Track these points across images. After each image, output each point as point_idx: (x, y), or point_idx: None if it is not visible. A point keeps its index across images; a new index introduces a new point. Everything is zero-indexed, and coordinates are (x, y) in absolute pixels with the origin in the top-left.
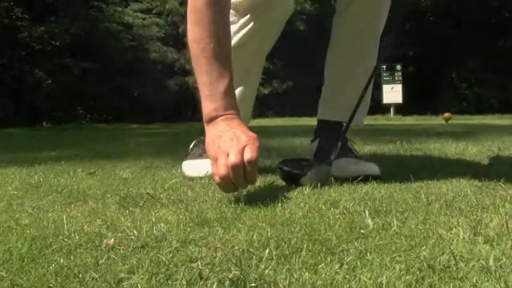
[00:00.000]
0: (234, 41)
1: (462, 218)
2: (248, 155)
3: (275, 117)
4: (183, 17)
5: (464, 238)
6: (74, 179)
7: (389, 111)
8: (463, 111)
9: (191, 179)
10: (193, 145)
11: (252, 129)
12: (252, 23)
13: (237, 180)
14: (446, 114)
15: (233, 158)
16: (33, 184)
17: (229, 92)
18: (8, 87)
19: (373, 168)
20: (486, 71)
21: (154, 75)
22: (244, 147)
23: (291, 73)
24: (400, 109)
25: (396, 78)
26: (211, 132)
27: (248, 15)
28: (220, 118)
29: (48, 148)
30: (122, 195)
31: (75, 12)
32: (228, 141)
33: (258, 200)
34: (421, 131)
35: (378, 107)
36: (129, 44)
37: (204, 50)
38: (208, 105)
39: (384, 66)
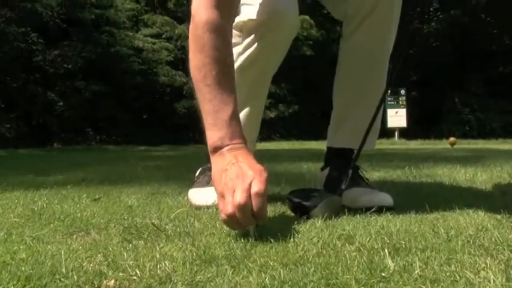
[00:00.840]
0: (238, 62)
1: (489, 259)
2: (255, 187)
3: (281, 140)
4: None
5: (496, 283)
6: (78, 205)
7: (393, 135)
8: (466, 135)
9: (198, 208)
10: (200, 172)
11: (258, 152)
12: (256, 44)
13: (244, 220)
14: (452, 139)
15: (239, 198)
16: (35, 211)
17: (234, 119)
18: (20, 108)
19: (386, 199)
20: (488, 96)
21: (163, 98)
22: (251, 183)
23: (297, 97)
24: (405, 133)
25: (400, 102)
26: (217, 164)
27: (253, 36)
28: (226, 148)
29: (55, 171)
30: (126, 225)
31: (88, 37)
32: (234, 177)
33: (269, 234)
34: (428, 155)
35: (383, 131)
36: (139, 68)
37: (206, 77)
38: (212, 135)
39: (389, 91)
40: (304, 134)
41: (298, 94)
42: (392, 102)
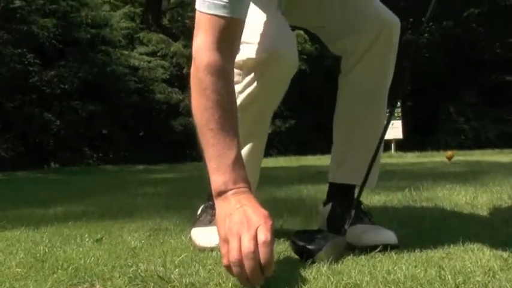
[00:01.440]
0: (238, 101)
1: None
2: (262, 236)
3: (279, 155)
4: (188, 58)
5: None
6: (80, 248)
7: (390, 147)
8: (462, 145)
9: (202, 249)
10: (202, 210)
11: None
12: (256, 82)
13: (252, 271)
14: (449, 153)
15: (247, 244)
16: (38, 258)
17: (237, 163)
18: (17, 128)
19: (391, 238)
20: (482, 105)
21: (159, 115)
22: (257, 230)
23: (293, 112)
24: (401, 145)
25: (396, 114)
26: (222, 208)
27: (252, 74)
28: (230, 192)
29: (55, 202)
30: (131, 275)
31: (84, 57)
32: (238, 223)
33: (276, 284)
34: (427, 172)
35: None
36: (135, 86)
37: (209, 121)
38: (216, 179)
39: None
40: (301, 149)
41: (294, 109)
42: (388, 114)
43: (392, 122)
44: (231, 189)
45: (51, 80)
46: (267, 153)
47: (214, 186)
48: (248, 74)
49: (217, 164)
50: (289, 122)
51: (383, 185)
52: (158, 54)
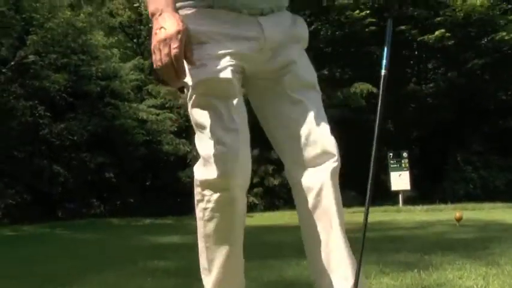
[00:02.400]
0: (205, 216)
1: None
2: (174, 51)
3: (285, 208)
4: None
5: None
6: None
7: (398, 199)
8: (470, 195)
9: None
10: None
11: (263, 247)
12: (215, 198)
13: (167, 69)
14: (458, 215)
15: (164, 58)
16: None
17: None
18: (26, 179)
19: None
20: (489, 153)
21: (167, 166)
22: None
23: None
24: (409, 196)
25: (403, 165)
26: (154, 26)
27: (211, 192)
28: (158, 14)
29: (61, 281)
30: None
31: (93, 109)
32: (161, 41)
33: None
34: (435, 240)
35: (387, 194)
36: (144, 139)
37: None
38: (151, 6)
39: (391, 154)
40: None
41: None
42: (395, 165)
43: (399, 173)
44: (159, 13)
45: (60, 133)
46: (273, 204)
47: (150, 10)
48: (208, 192)
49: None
50: None
51: (392, 259)
52: (166, 106)
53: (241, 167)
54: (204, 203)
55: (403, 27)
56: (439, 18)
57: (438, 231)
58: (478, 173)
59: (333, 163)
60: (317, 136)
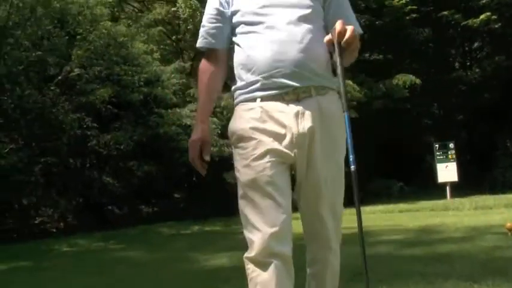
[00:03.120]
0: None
1: None
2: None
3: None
4: None
5: None
6: None
7: (445, 190)
8: None
9: None
10: None
11: None
12: (260, 272)
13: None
14: (509, 224)
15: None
16: None
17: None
18: (77, 189)
19: None
20: None
21: (212, 169)
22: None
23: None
24: (457, 187)
25: (450, 156)
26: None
27: (256, 267)
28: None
29: None
30: None
31: (137, 119)
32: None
33: None
34: (486, 260)
35: (434, 187)
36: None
37: (202, 90)
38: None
39: (437, 145)
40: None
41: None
42: (442, 157)
43: (446, 164)
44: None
45: (108, 143)
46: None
47: (194, 132)
48: (253, 267)
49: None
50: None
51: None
52: None
53: (282, 243)
54: (253, 275)
55: (445, 13)
56: (484, 1)
57: (489, 246)
58: None
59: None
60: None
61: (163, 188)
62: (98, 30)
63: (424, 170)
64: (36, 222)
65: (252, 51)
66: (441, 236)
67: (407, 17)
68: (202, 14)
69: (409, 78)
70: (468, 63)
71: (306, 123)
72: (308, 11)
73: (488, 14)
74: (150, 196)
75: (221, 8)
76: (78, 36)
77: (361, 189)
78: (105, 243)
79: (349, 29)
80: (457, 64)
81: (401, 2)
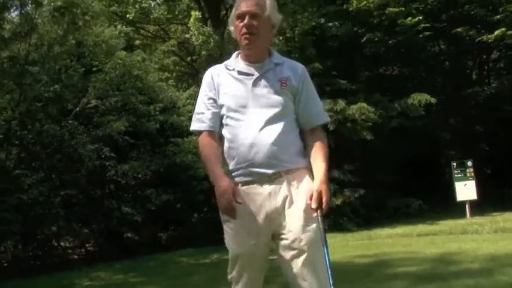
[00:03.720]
0: None
1: None
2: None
3: (350, 229)
4: None
5: None
6: None
7: (464, 210)
8: None
9: None
10: None
11: None
12: None
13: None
14: None
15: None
16: None
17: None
18: (97, 219)
19: None
20: None
21: None
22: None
23: (361, 180)
24: (476, 205)
25: (468, 174)
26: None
27: None
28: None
29: None
30: None
31: (154, 149)
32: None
33: None
34: None
35: (453, 204)
36: (205, 173)
37: (210, 159)
38: (222, 180)
39: (455, 163)
40: (372, 219)
41: (362, 176)
42: (460, 175)
43: (465, 182)
44: (215, 177)
45: (125, 173)
46: (337, 224)
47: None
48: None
49: (220, 171)
50: (359, 191)
51: None
52: None
53: None
54: None
55: (459, 29)
56: (498, 16)
57: (508, 282)
58: None
59: None
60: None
61: (182, 215)
62: (113, 60)
63: (443, 187)
64: (58, 252)
65: (234, 143)
66: (458, 268)
67: (421, 35)
68: (215, 41)
69: (425, 97)
70: (485, 74)
71: (279, 198)
72: (281, 109)
73: (503, 29)
74: (168, 223)
75: (214, 97)
76: (94, 68)
77: (379, 209)
78: (125, 276)
79: (324, 200)
80: (474, 76)
81: (413, 20)
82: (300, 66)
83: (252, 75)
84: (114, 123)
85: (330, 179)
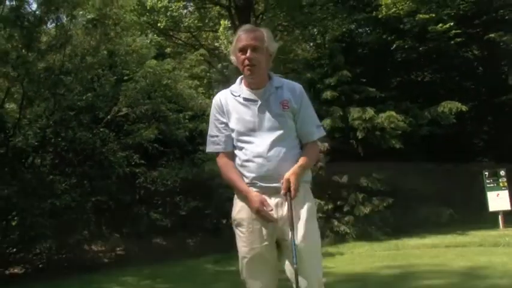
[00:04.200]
0: None
1: None
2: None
3: (378, 237)
4: None
5: None
6: None
7: (497, 220)
8: None
9: None
10: None
11: None
12: None
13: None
14: None
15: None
16: None
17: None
18: (127, 226)
19: None
20: None
21: None
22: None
23: (390, 189)
24: (510, 217)
25: (501, 184)
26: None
27: None
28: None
29: None
30: None
31: (183, 156)
32: (254, 206)
33: None
34: None
35: (486, 216)
36: None
37: (232, 177)
38: (252, 195)
39: (487, 173)
40: (402, 226)
41: (391, 185)
42: (492, 185)
43: (497, 192)
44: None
45: (154, 180)
46: (366, 232)
47: (251, 197)
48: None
49: (246, 186)
50: (388, 200)
51: None
52: None
53: None
54: None
55: (492, 35)
56: None
57: None
58: None
59: None
60: None
61: (209, 222)
62: (144, 69)
63: (475, 197)
64: (89, 255)
65: (245, 162)
66: (486, 284)
67: (453, 41)
68: None
69: (455, 105)
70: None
71: (284, 209)
72: (284, 131)
73: None
74: (196, 229)
75: (225, 121)
76: (125, 77)
77: (408, 218)
78: (153, 282)
79: (292, 188)
80: (510, 81)
81: (444, 26)
82: (298, 87)
83: (257, 101)
84: (144, 131)
85: (357, 188)
